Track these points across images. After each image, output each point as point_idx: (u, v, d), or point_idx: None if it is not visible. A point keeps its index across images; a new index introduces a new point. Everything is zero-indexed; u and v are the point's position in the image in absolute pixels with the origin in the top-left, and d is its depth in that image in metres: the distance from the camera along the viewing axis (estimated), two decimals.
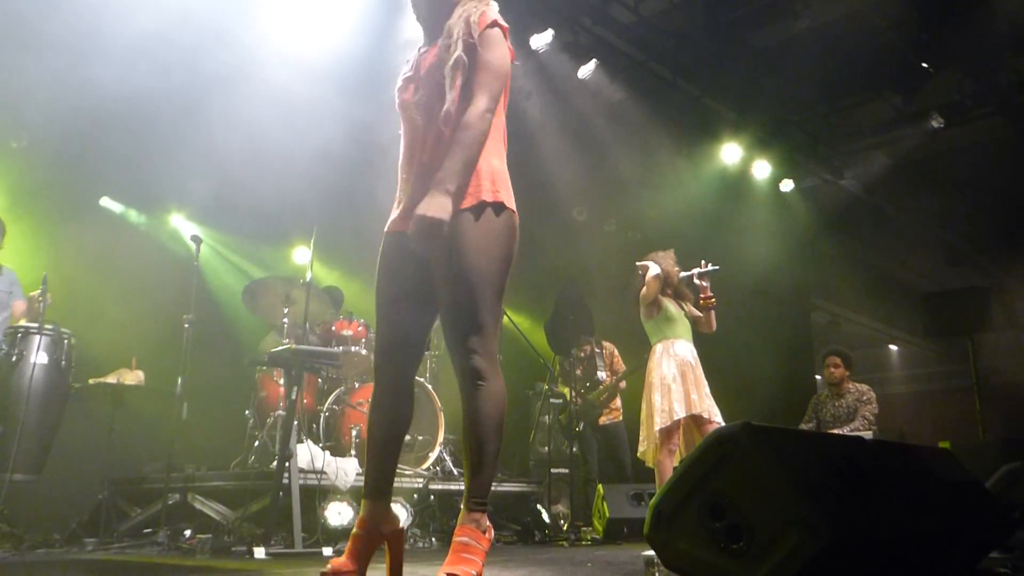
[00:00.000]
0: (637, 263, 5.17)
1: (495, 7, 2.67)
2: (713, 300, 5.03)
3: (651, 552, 2.91)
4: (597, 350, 7.64)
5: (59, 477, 5.32)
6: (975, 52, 7.65)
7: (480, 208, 2.52)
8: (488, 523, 2.54)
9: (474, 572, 2.39)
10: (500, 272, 2.54)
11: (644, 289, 4.96)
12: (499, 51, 2.59)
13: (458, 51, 2.56)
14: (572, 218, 9.72)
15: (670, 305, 4.98)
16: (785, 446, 2.16)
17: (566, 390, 7.51)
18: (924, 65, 7.83)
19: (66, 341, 5.17)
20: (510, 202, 2.58)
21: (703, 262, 5.09)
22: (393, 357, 2.65)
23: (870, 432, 6.53)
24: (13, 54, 5.90)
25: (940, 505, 2.57)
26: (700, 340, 5.11)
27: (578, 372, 7.46)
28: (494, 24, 2.61)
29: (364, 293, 7.58)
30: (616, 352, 7.59)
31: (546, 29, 7.25)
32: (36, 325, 5.01)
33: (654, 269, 4.97)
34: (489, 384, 2.51)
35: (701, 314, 5.10)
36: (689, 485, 2.19)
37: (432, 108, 2.60)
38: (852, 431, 6.62)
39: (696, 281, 5.07)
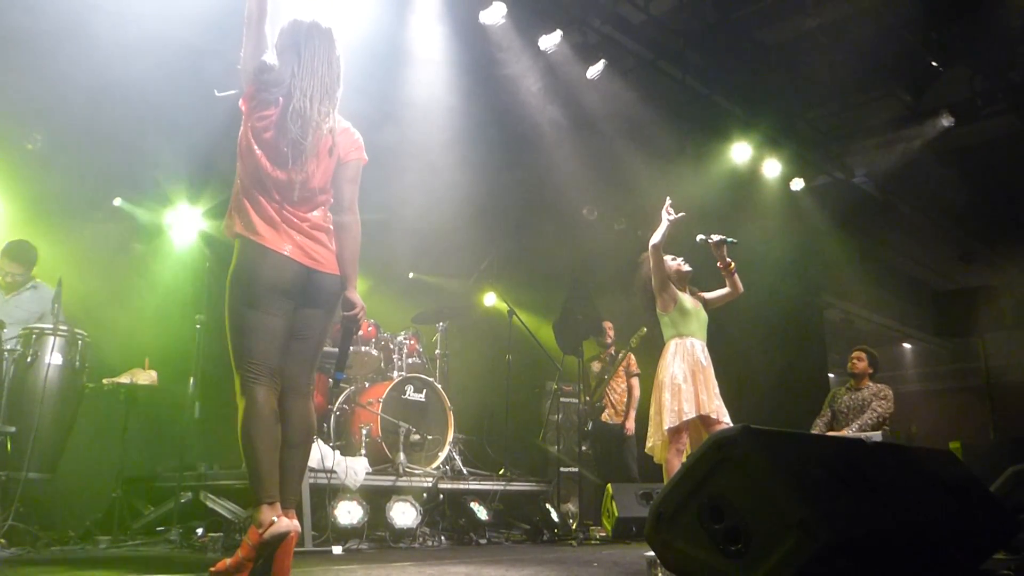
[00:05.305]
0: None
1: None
2: (732, 264, 5.00)
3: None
4: (619, 354, 7.78)
5: (73, 476, 5.38)
6: (986, 50, 7.61)
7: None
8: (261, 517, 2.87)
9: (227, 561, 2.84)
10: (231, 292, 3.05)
11: (651, 261, 4.92)
12: None
13: None
14: (582, 217, 9.73)
15: (686, 299, 4.97)
16: (784, 449, 2.18)
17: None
18: (934, 64, 7.78)
19: (80, 342, 5.23)
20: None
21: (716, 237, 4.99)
22: None
23: (879, 433, 6.53)
24: (24, 55, 5.95)
25: (941, 507, 2.58)
26: (712, 339, 5.08)
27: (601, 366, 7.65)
28: None
29: (371, 293, 7.62)
30: (633, 359, 7.68)
31: (555, 30, 7.25)
32: (51, 326, 5.07)
33: (655, 238, 4.93)
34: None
35: (723, 292, 5.07)
36: (689, 487, 2.21)
37: None
38: (861, 426, 6.64)
39: (711, 240, 4.98)
